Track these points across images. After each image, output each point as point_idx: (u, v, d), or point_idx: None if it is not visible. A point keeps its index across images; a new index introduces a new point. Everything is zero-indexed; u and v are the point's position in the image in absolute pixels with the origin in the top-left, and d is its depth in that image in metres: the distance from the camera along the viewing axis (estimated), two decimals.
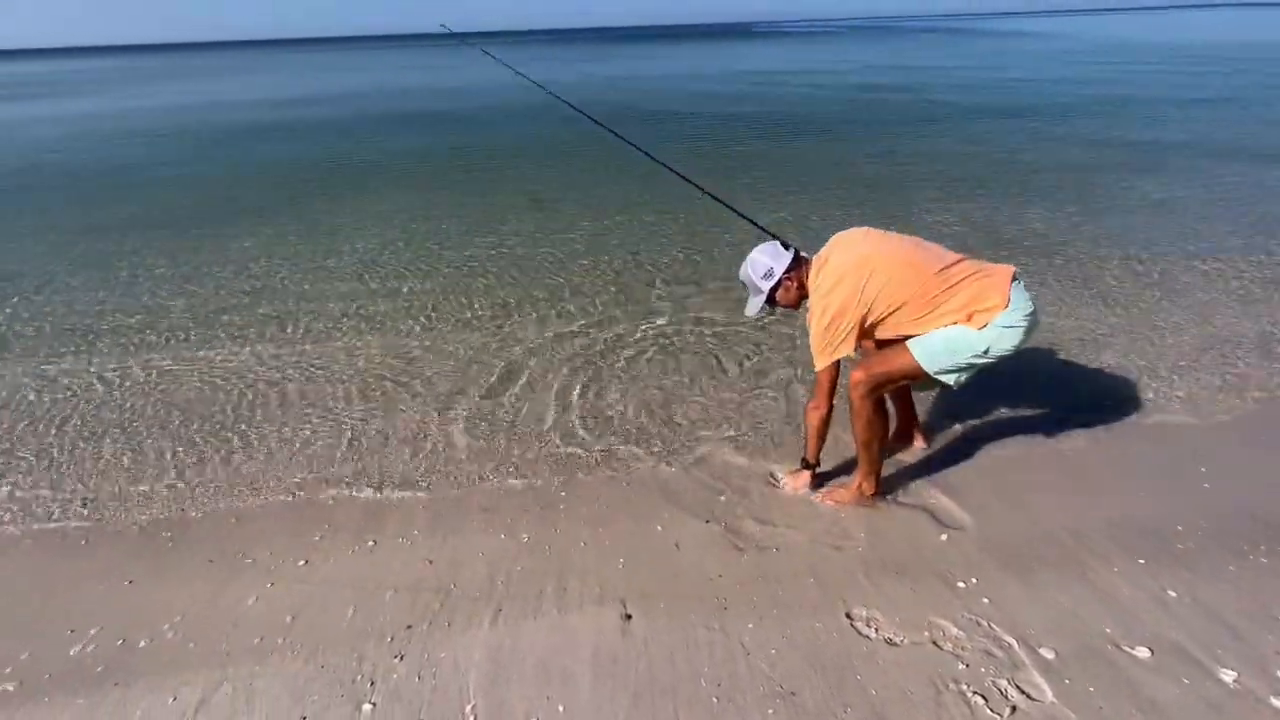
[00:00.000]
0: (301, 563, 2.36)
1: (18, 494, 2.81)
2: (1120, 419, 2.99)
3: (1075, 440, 2.83)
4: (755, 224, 2.67)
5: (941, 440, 2.86)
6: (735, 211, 2.74)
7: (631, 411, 3.25)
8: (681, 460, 2.83)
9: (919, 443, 2.78)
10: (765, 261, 2.28)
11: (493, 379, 3.62)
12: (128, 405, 3.50)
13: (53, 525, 2.62)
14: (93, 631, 2.09)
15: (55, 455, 3.08)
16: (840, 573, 2.16)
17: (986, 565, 2.15)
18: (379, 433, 3.16)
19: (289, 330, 4.31)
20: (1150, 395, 3.19)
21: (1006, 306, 2.06)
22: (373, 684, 1.85)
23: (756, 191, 7.28)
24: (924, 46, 37.62)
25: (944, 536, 2.30)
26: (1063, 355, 3.63)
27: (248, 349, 4.08)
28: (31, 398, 3.60)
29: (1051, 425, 2.92)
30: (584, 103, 3.40)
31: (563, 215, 6.70)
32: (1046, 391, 3.25)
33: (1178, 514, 2.34)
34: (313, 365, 3.85)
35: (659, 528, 2.43)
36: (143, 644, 2.04)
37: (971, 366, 2.15)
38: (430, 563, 2.32)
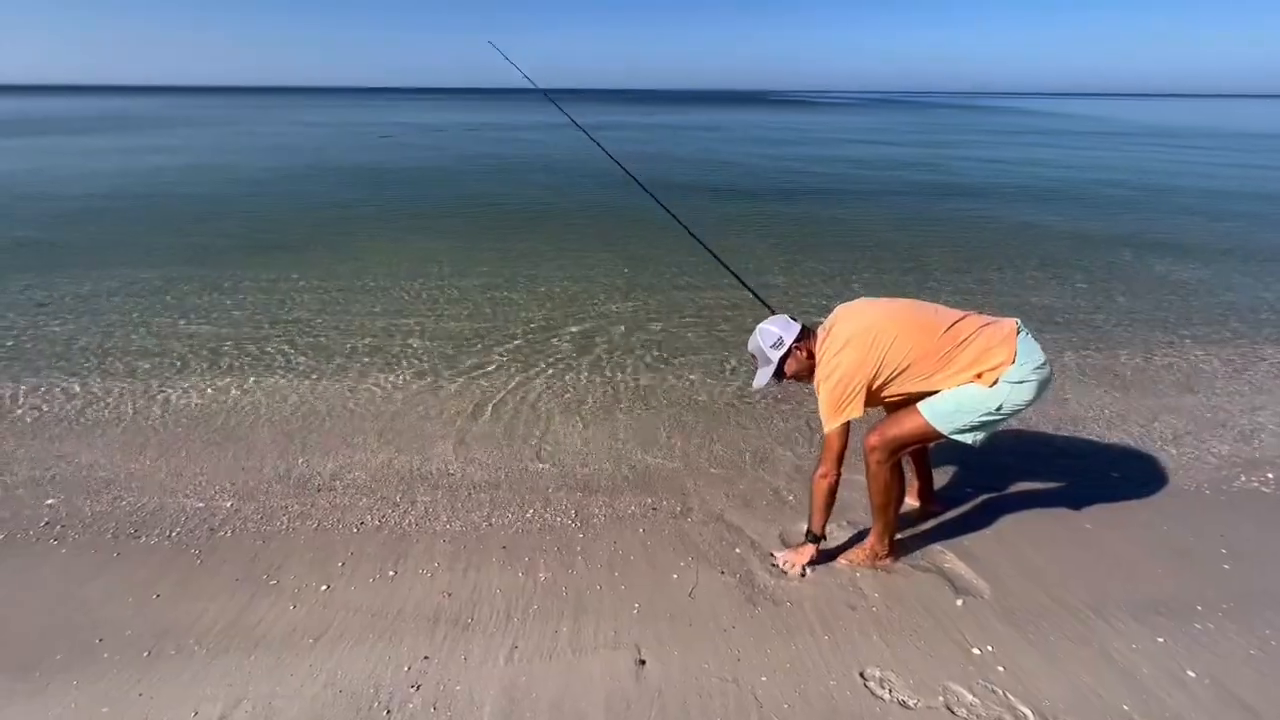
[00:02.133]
0: (324, 588, 2.42)
1: (56, 501, 2.92)
2: (1140, 494, 2.99)
3: (1094, 513, 2.83)
4: (762, 300, 2.77)
5: (959, 506, 2.88)
6: (749, 289, 2.84)
7: (651, 460, 3.31)
8: (699, 511, 2.87)
9: (932, 507, 2.80)
10: (775, 331, 2.30)
11: (519, 421, 3.72)
12: (169, 423, 3.65)
13: (88, 536, 2.71)
14: (121, 641, 2.16)
15: (97, 465, 3.21)
16: (854, 632, 2.16)
17: (1003, 634, 2.15)
18: (405, 466, 3.25)
19: (330, 362, 4.48)
20: (1170, 470, 3.19)
21: (1014, 362, 2.09)
22: (389, 712, 1.88)
23: (782, 258, 7.50)
24: (937, 120, 38.84)
25: (960, 602, 2.30)
26: (1081, 427, 3.65)
27: (286, 378, 4.24)
28: (76, 407, 3.77)
29: (1070, 497, 2.92)
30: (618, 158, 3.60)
31: (595, 265, 6.93)
32: (1065, 463, 3.26)
33: (1197, 592, 2.33)
34: (347, 397, 3.98)
35: (674, 576, 2.46)
36: (168, 656, 2.09)
37: (988, 424, 2.16)
38: (449, 595, 2.36)
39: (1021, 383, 2.09)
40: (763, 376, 2.34)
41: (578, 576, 2.47)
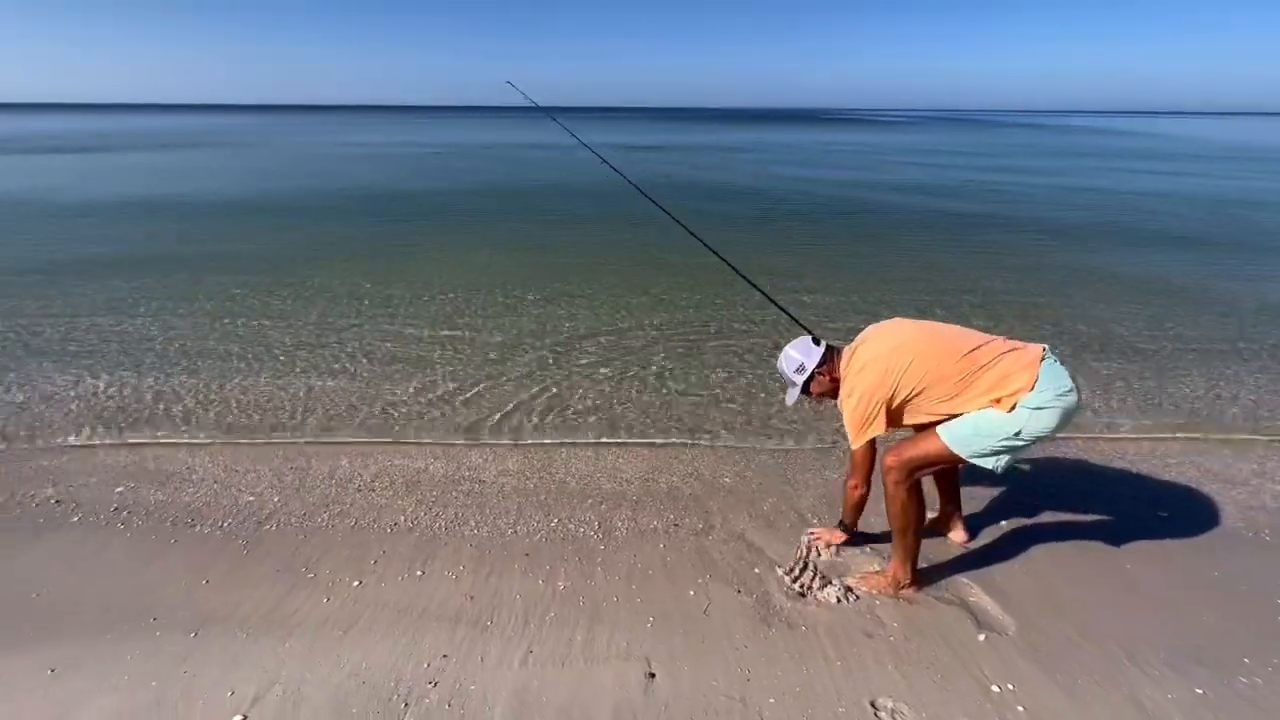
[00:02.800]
0: (356, 583, 2.55)
1: (124, 489, 3.18)
2: (1189, 534, 2.84)
3: (1136, 552, 2.70)
4: (791, 316, 2.77)
5: (989, 538, 2.80)
6: (776, 305, 2.85)
7: (676, 477, 3.34)
8: (720, 530, 2.88)
9: (959, 536, 2.73)
10: (797, 358, 2.38)
11: (549, 432, 3.82)
12: (226, 420, 3.91)
13: (150, 523, 2.94)
14: (171, 621, 2.33)
15: (161, 458, 3.47)
16: (869, 660, 2.13)
17: (1026, 672, 2.08)
18: (439, 471, 3.38)
19: (378, 368, 4.71)
20: (1225, 512, 3.01)
21: (1032, 388, 2.05)
22: (406, 705, 1.97)
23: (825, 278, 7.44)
24: (998, 140, 37.66)
25: (983, 637, 2.23)
26: (1125, 458, 3.49)
27: (336, 381, 4.48)
28: (146, 400, 4.08)
29: (1111, 534, 2.80)
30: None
31: (631, 293, 7.05)
32: (1107, 497, 3.12)
33: (1245, 643, 2.19)
34: (390, 401, 4.17)
35: (691, 592, 2.48)
36: (212, 638, 2.25)
37: (1008, 450, 2.12)
38: (471, 598, 2.45)
39: (1040, 409, 2.05)
40: (790, 397, 2.46)
41: (596, 587, 2.52)
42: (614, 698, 1.99)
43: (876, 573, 2.49)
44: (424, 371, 4.67)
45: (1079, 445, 3.65)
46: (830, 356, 2.36)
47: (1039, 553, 2.70)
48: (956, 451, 2.14)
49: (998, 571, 2.57)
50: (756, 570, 2.60)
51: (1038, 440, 2.12)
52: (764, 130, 51.15)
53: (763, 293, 2.91)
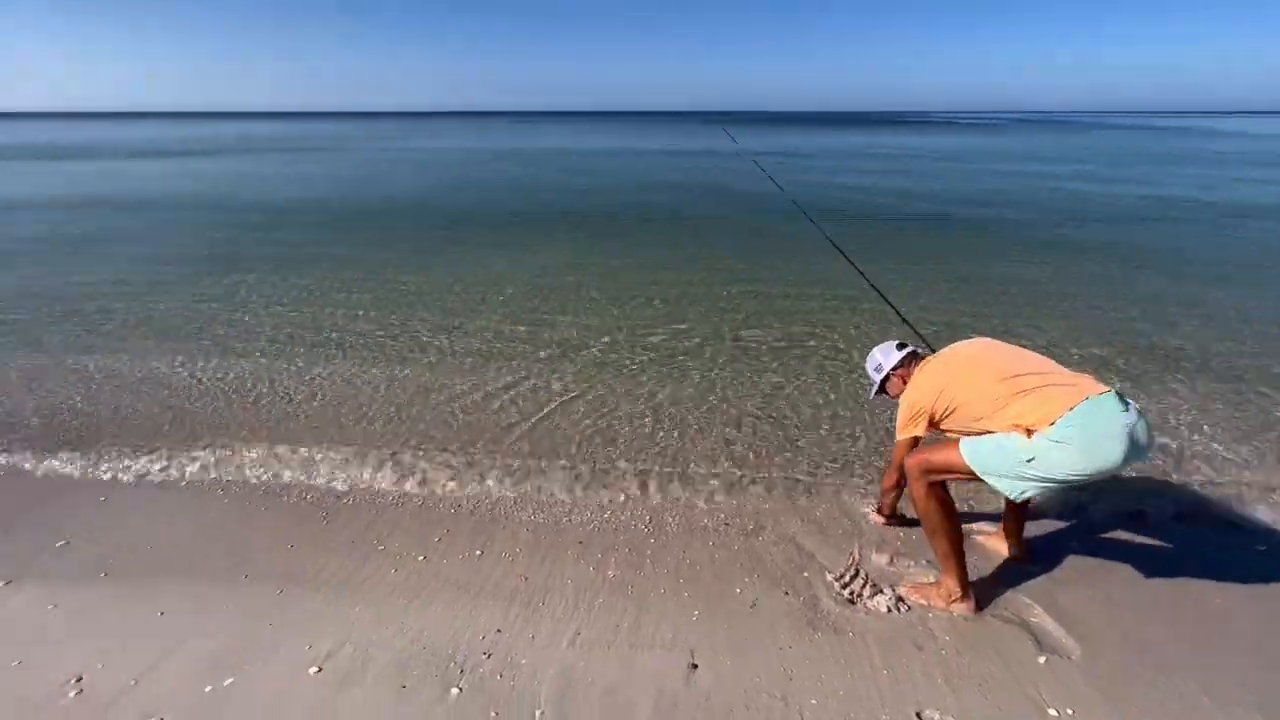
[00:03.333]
0: (421, 558, 2.72)
1: (216, 457, 3.52)
2: None
3: (1230, 589, 2.49)
4: (900, 314, 2.95)
5: (1055, 557, 2.66)
6: (890, 304, 2.98)
7: (731, 476, 3.36)
8: (772, 531, 2.88)
9: (1019, 553, 2.62)
10: (877, 358, 2.66)
11: (611, 425, 3.91)
12: (317, 402, 4.24)
13: (245, 490, 3.24)
14: (260, 578, 2.57)
15: (262, 424, 3.81)
16: (918, 672, 2.09)
17: (1089, 698, 1.98)
18: (505, 457, 3.54)
19: (479, 359, 4.98)
20: None
21: (1054, 422, 1.97)
22: (462, 672, 2.10)
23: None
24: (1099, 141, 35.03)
25: (1043, 659, 2.14)
26: (1222, 486, 3.21)
27: (424, 370, 4.76)
28: (247, 384, 4.48)
29: (1202, 567, 2.60)
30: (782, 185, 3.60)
31: (736, 283, 7.09)
32: (1199, 527, 2.90)
33: None
34: (467, 390, 4.40)
35: (739, 590, 2.50)
36: (294, 597, 2.47)
37: (1025, 479, 2.04)
38: (525, 579, 2.57)
39: (1059, 444, 1.96)
40: (870, 392, 2.74)
41: (644, 578, 2.58)
42: (657, 684, 2.05)
43: (930, 584, 2.42)
44: (504, 360, 4.88)
45: (1168, 469, 3.40)
46: (909, 361, 2.56)
47: (1112, 578, 2.55)
48: (969, 462, 2.12)
49: (1064, 593, 2.45)
50: (805, 574, 2.59)
51: (1069, 481, 2.02)
52: (834, 134, 49.77)
53: (899, 312, 2.92)
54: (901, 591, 2.43)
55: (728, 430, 3.87)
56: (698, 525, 2.95)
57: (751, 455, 3.59)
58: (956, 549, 2.29)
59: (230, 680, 2.07)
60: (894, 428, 2.46)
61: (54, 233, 10.48)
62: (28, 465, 3.51)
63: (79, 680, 2.08)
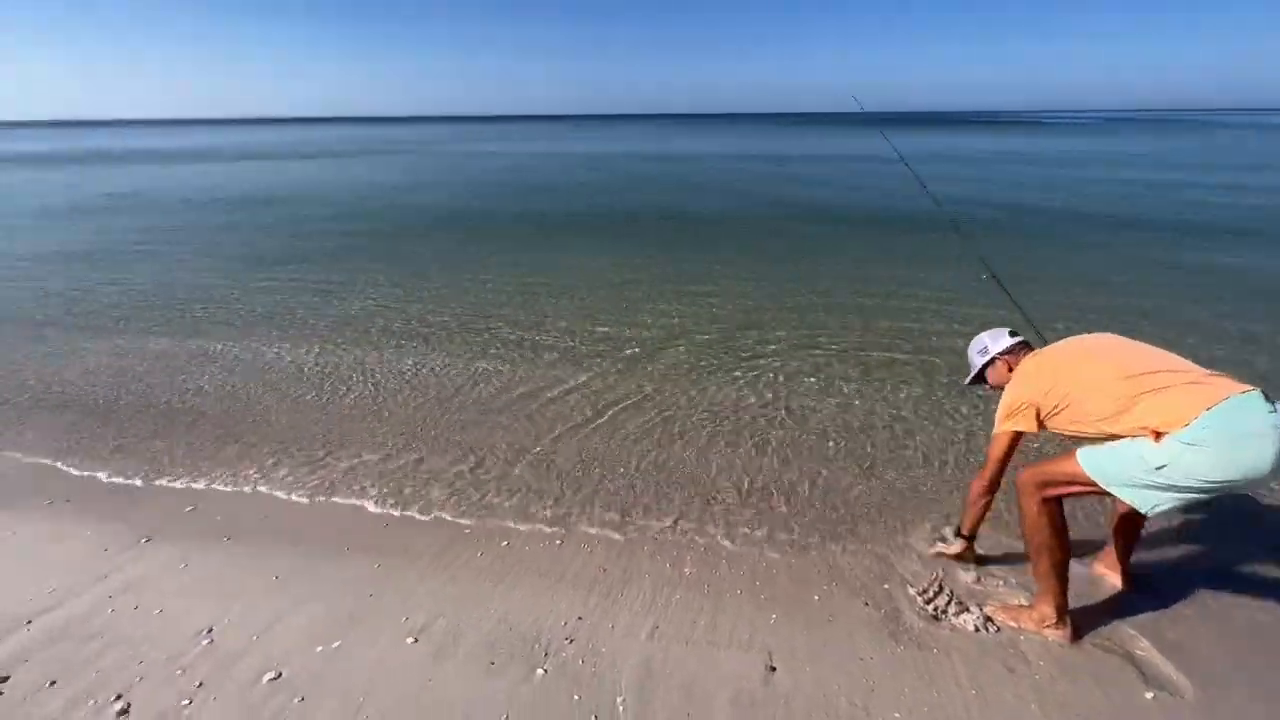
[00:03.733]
0: (504, 543, 2.85)
1: (324, 452, 3.79)
2: None
3: None
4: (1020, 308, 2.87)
5: (1167, 586, 2.48)
6: (1008, 295, 2.95)
7: (816, 483, 3.32)
8: (852, 541, 2.84)
9: (1123, 581, 2.45)
10: (984, 340, 2.49)
11: (691, 428, 3.95)
12: (412, 393, 4.50)
13: (346, 480, 3.49)
14: (362, 552, 2.77)
15: (411, 443, 4.09)
16: (1009, 695, 2.01)
17: None
18: (588, 452, 3.65)
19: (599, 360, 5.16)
20: None
21: (1189, 423, 1.76)
22: (546, 655, 2.19)
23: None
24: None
25: (1150, 695, 2.01)
26: None
27: (537, 370, 4.97)
28: (343, 375, 4.81)
29: None
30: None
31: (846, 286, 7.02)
32: None
33: None
34: (570, 387, 4.56)
35: (816, 597, 2.48)
36: (391, 570, 2.65)
37: (1157, 487, 1.84)
38: (605, 570, 2.65)
39: (1194, 446, 1.74)
40: (967, 378, 2.57)
41: (720, 578, 2.60)
42: (735, 684, 2.07)
43: (1022, 606, 2.32)
44: (610, 360, 5.02)
45: None
46: (1018, 350, 2.39)
47: (1234, 612, 2.36)
48: (1090, 475, 1.95)
49: (1175, 626, 2.29)
50: (886, 586, 2.53)
51: (1209, 490, 1.80)
52: (924, 136, 47.74)
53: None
54: (989, 611, 2.33)
55: (809, 438, 3.82)
56: (776, 528, 2.94)
57: (840, 461, 3.53)
58: (1061, 572, 2.14)
59: (338, 644, 2.25)
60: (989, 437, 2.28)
61: (201, 223, 11.56)
62: (160, 442, 3.91)
63: (209, 631, 2.31)
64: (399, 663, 2.17)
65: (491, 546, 2.83)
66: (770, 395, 4.37)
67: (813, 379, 4.62)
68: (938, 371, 4.65)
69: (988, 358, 2.43)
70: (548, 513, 3.08)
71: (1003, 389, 2.34)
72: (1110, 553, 2.48)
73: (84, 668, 2.15)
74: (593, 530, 2.94)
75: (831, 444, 3.72)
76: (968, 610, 2.35)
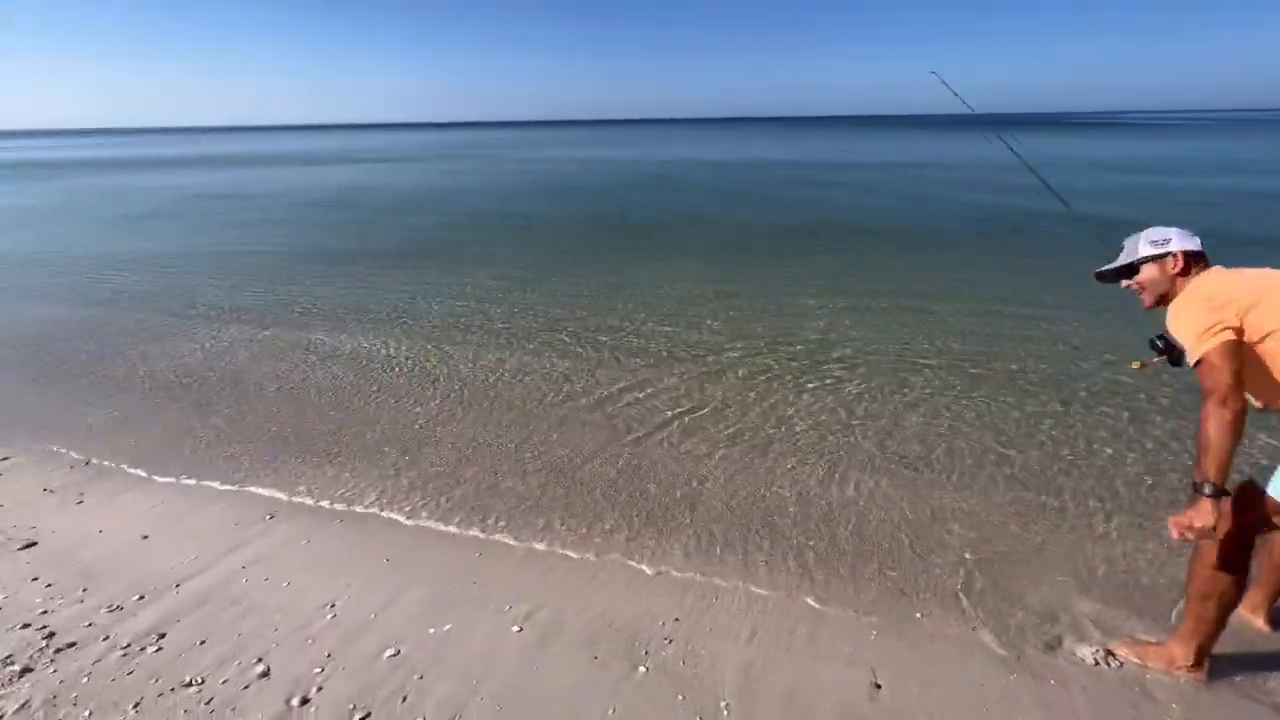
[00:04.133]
0: (598, 540, 2.92)
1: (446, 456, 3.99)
2: None
3: None
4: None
5: None
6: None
7: (934, 499, 3.23)
8: (971, 560, 2.73)
9: (1266, 624, 2.26)
10: (1169, 232, 1.91)
11: (772, 445, 3.93)
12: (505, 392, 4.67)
13: (448, 460, 3.66)
14: (463, 543, 2.90)
15: (507, 442, 4.28)
16: None
17: None
18: (691, 452, 3.69)
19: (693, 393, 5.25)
20: None
21: None
22: (646, 653, 2.23)
23: None
24: None
25: None
26: None
27: (674, 378, 5.09)
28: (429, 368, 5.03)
29: None
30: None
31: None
32: None
33: None
34: (708, 397, 4.63)
35: (918, 614, 2.42)
36: (493, 557, 2.76)
37: None
38: (701, 575, 2.67)
39: None
40: (1116, 261, 2.00)
41: (817, 587, 2.58)
42: (839, 697, 2.04)
43: (1150, 643, 2.18)
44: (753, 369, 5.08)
45: None
46: (1199, 258, 1.88)
47: None
48: None
49: None
50: (1002, 609, 2.44)
51: None
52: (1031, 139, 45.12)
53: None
54: (1113, 645, 2.21)
55: (914, 447, 3.72)
56: (871, 541, 2.88)
57: (972, 478, 3.42)
58: (1222, 620, 1.94)
59: (449, 626, 2.37)
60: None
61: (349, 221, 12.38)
62: (273, 426, 4.22)
63: (332, 606, 2.48)
64: (506, 649, 2.26)
65: (587, 543, 2.90)
66: (867, 410, 4.28)
67: (947, 392, 4.49)
68: (1056, 391, 4.43)
69: (1164, 250, 1.88)
70: (642, 511, 3.13)
71: (1146, 291, 1.94)
72: (1257, 593, 2.28)
73: (227, 631, 2.35)
74: (686, 533, 2.97)
75: (970, 462, 3.60)
76: (1086, 642, 2.23)
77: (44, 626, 2.37)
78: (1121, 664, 2.15)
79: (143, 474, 3.57)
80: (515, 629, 2.36)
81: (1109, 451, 3.57)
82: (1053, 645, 2.24)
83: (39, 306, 7.02)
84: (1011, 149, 2.89)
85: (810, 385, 4.58)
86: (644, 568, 2.72)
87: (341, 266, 8.72)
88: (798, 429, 3.96)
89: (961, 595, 2.52)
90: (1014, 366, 4.80)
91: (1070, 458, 3.53)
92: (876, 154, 30.63)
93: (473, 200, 15.84)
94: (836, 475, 3.44)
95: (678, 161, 28.33)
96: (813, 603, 2.49)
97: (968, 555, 2.77)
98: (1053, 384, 4.47)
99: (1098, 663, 2.16)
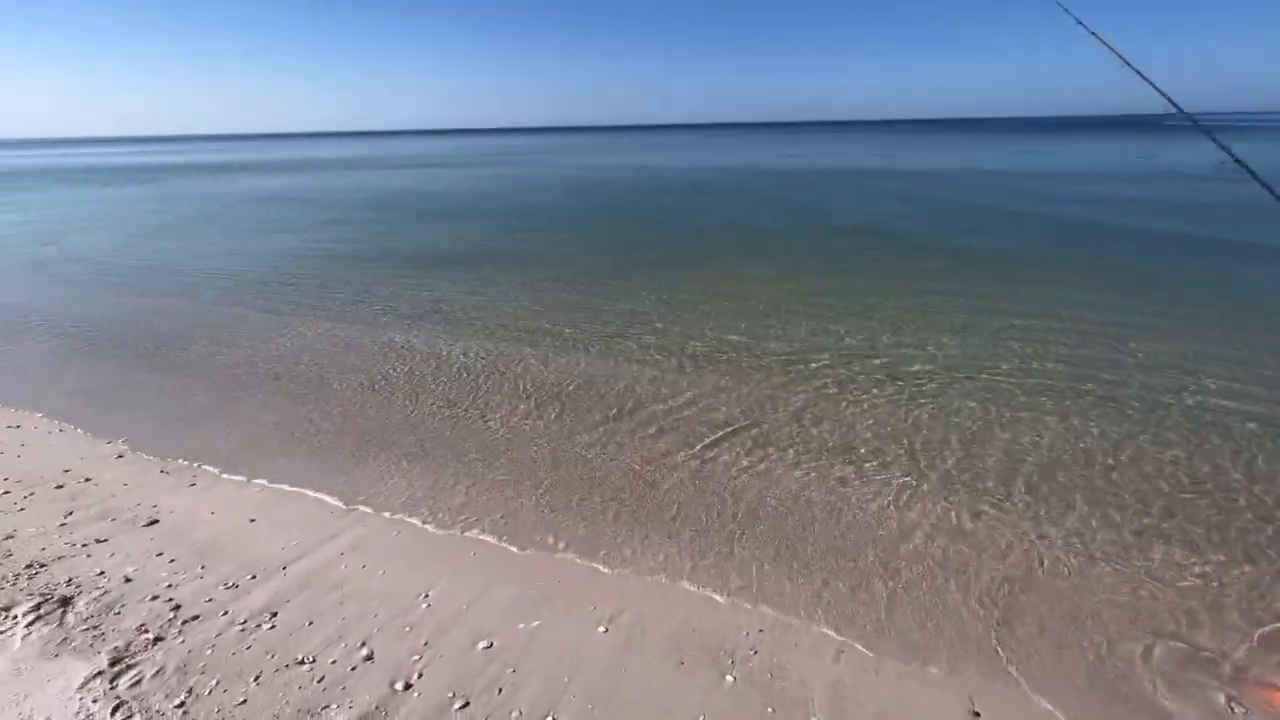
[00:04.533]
0: (674, 548, 2.94)
1: (525, 457, 4.10)
2: None
3: None
4: None
5: None
6: None
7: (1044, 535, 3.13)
8: (1046, 593, 2.63)
9: None
10: None
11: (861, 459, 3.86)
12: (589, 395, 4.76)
13: (527, 462, 3.76)
14: (545, 543, 2.98)
15: (583, 443, 4.39)
16: None
17: None
18: (768, 470, 3.68)
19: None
20: None
21: None
22: (733, 662, 2.24)
23: None
24: None
25: None
26: None
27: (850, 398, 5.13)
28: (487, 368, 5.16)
29: None
30: None
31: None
32: None
33: None
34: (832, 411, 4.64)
35: (996, 643, 2.33)
36: (572, 559, 2.82)
37: None
38: (787, 587, 2.65)
39: None
40: None
41: (900, 610, 2.52)
42: None
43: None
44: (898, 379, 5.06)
45: None
46: None
47: None
48: None
49: None
50: (1100, 639, 2.33)
51: None
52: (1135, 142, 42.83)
53: None
54: (1239, 690, 2.08)
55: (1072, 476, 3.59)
56: (952, 563, 2.80)
57: (1036, 507, 3.29)
58: None
59: (537, 623, 2.44)
60: None
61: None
62: (359, 420, 4.42)
63: (427, 596, 2.59)
64: (593, 650, 2.31)
65: (662, 547, 2.93)
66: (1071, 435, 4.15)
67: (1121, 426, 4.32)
68: None
69: None
70: (721, 519, 3.14)
71: None
72: None
73: (331, 614, 2.49)
74: (768, 545, 2.96)
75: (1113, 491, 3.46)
76: (1212, 683, 2.10)
77: (170, 599, 2.57)
78: (1247, 710, 2.02)
79: (244, 461, 3.82)
80: (601, 630, 2.41)
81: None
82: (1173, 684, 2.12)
83: (142, 299, 7.59)
84: (1229, 152, 2.25)
85: (925, 407, 4.47)
86: (726, 578, 2.72)
87: (407, 268, 9.05)
88: (887, 453, 3.88)
89: (1052, 624, 2.42)
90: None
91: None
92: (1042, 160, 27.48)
93: (525, 204, 16.16)
94: (932, 505, 3.36)
95: (818, 170, 28.04)
96: (899, 622, 2.44)
97: (1049, 583, 2.65)
98: None
99: (1231, 707, 2.04)
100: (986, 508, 3.21)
